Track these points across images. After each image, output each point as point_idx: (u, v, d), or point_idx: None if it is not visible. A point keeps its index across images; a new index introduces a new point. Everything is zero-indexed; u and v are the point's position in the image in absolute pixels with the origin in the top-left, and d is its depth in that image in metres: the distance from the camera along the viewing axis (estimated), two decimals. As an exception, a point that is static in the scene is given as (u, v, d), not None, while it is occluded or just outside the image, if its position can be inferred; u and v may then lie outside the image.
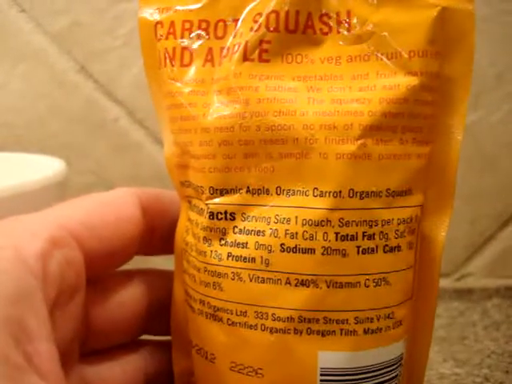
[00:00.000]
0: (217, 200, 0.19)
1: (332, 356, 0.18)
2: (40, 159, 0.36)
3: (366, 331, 0.18)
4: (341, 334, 0.18)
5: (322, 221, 0.17)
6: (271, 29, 0.19)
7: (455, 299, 0.46)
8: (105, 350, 0.21)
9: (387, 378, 0.19)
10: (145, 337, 0.23)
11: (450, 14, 0.18)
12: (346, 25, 0.19)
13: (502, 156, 0.46)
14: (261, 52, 0.19)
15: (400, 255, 0.18)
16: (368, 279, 0.18)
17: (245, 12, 0.19)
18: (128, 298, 0.22)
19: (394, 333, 0.19)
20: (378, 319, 0.18)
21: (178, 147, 0.20)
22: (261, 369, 0.18)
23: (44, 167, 0.33)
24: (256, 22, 0.19)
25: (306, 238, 0.18)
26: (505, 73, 0.45)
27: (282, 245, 0.18)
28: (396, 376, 0.19)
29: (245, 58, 0.19)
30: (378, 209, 0.18)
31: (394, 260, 0.18)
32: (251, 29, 0.19)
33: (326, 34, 0.19)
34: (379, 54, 0.18)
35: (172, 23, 0.19)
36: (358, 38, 0.18)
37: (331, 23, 0.19)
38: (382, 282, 0.18)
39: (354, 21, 0.19)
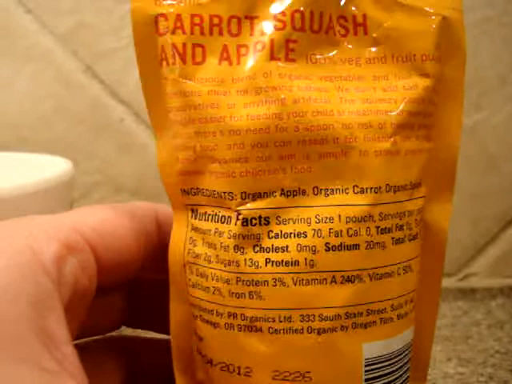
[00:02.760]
0: (249, 205, 0.18)
1: (373, 346, 0.18)
2: (47, 159, 0.36)
3: (398, 317, 0.19)
4: (380, 323, 0.18)
5: (365, 216, 0.18)
6: (297, 28, 0.18)
7: (459, 299, 0.46)
8: (88, 346, 0.21)
9: (407, 359, 0.20)
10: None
11: (448, 23, 0.19)
12: (363, 28, 0.19)
13: (505, 157, 0.46)
14: (287, 51, 0.18)
15: (417, 242, 0.19)
16: (399, 267, 0.19)
17: (262, 9, 0.19)
18: (111, 296, 0.22)
19: (413, 315, 0.20)
20: (406, 304, 0.19)
21: (191, 151, 0.19)
22: (308, 372, 0.18)
23: (51, 167, 0.33)
24: (279, 20, 0.18)
25: (351, 235, 0.18)
26: (508, 74, 0.45)
27: (326, 244, 0.18)
28: (411, 357, 0.20)
29: (271, 56, 0.18)
30: (405, 201, 0.19)
31: (415, 247, 0.19)
32: (275, 27, 0.18)
33: (344, 35, 0.19)
34: (395, 57, 0.19)
35: (178, 17, 0.18)
36: (375, 41, 0.19)
37: (348, 26, 0.19)
38: (408, 269, 0.19)
39: (370, 24, 0.19)
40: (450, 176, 0.20)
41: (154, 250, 0.20)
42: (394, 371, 0.19)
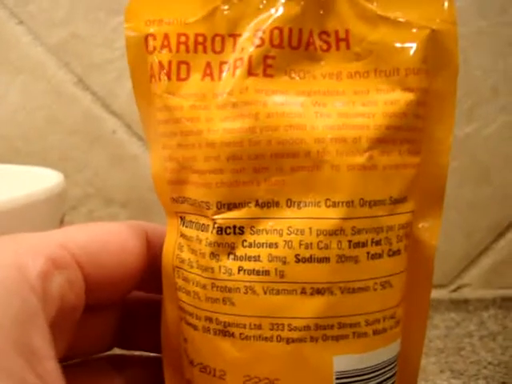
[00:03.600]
0: (225, 215, 0.19)
1: (346, 359, 0.18)
2: (39, 171, 0.36)
3: (374, 332, 0.19)
4: (353, 337, 0.18)
5: (336, 230, 0.18)
6: (275, 44, 0.19)
7: (451, 310, 0.46)
8: (85, 363, 0.21)
9: (389, 375, 0.20)
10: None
11: (437, 36, 0.19)
12: (345, 43, 0.19)
13: (497, 168, 0.47)
14: (265, 67, 0.19)
15: (399, 258, 0.19)
16: (376, 283, 0.19)
17: (244, 27, 0.19)
18: (103, 315, 0.22)
19: (395, 332, 0.19)
20: (384, 320, 0.19)
21: (176, 162, 0.20)
22: (278, 379, 0.18)
23: (43, 179, 0.33)
24: (258, 37, 0.19)
25: (321, 248, 0.18)
26: (499, 85, 0.45)
27: (296, 255, 0.18)
28: (395, 372, 0.20)
29: (249, 72, 0.19)
30: (384, 216, 0.19)
31: (396, 263, 0.19)
32: (254, 44, 0.19)
33: (326, 51, 0.19)
34: (378, 71, 0.19)
35: (166, 36, 0.19)
36: (357, 56, 0.19)
37: (330, 41, 0.19)
38: (387, 285, 0.19)
39: (353, 39, 0.19)
40: (439, 191, 0.20)
41: (144, 269, 0.20)
42: None
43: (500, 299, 0.47)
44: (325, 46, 0.19)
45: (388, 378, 0.19)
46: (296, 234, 0.18)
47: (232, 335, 0.19)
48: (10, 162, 0.41)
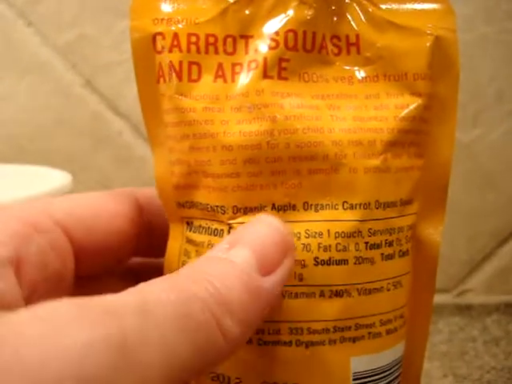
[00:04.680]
0: (241, 219, 0.18)
1: (362, 360, 0.19)
2: (46, 171, 0.36)
3: (387, 332, 0.19)
4: (369, 338, 0.19)
5: (354, 232, 0.18)
6: (290, 47, 0.19)
7: (455, 315, 0.46)
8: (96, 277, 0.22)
9: (397, 374, 0.20)
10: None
11: (440, 43, 0.20)
12: (355, 47, 0.20)
13: (501, 173, 0.47)
14: (280, 70, 0.19)
15: (408, 258, 0.20)
16: (389, 283, 0.19)
17: (256, 29, 0.19)
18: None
19: (403, 331, 0.20)
20: (395, 319, 0.19)
21: (186, 166, 0.19)
22: None
23: (50, 179, 0.33)
24: (273, 39, 0.19)
25: (340, 250, 0.18)
26: (505, 91, 0.45)
27: (315, 258, 0.18)
28: (400, 372, 0.20)
29: (264, 75, 0.19)
30: (395, 218, 0.19)
31: (405, 263, 0.19)
32: (268, 46, 0.19)
33: (337, 55, 0.20)
34: (387, 76, 0.19)
35: (175, 35, 0.19)
36: (367, 60, 0.20)
37: (341, 45, 0.20)
38: (398, 285, 0.19)
39: (363, 44, 0.20)
40: (442, 193, 0.21)
41: (138, 234, 0.21)
42: None
43: (503, 305, 0.47)
44: (336, 50, 0.20)
45: (395, 378, 0.20)
46: (314, 237, 0.18)
47: (250, 342, 0.18)
48: (16, 162, 0.41)
